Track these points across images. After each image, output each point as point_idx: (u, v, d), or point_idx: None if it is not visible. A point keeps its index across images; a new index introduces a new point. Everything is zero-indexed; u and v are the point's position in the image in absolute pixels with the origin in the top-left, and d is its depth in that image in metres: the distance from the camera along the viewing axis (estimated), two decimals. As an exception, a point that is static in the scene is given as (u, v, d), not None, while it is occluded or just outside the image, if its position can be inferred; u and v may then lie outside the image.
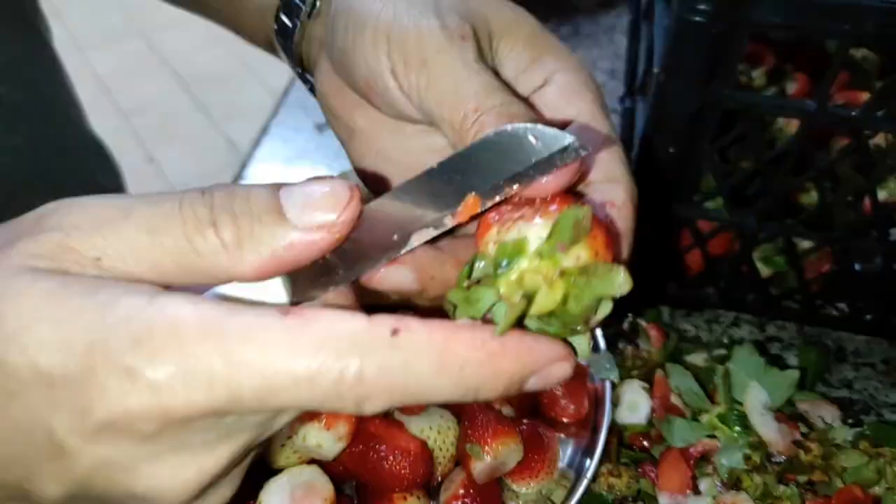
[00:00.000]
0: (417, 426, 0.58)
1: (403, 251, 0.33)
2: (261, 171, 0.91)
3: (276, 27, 0.49)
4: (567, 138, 0.32)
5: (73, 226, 0.30)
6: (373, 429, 0.56)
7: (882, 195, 0.71)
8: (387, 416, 0.59)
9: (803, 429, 0.62)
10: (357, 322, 0.28)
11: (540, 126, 0.33)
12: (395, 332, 0.28)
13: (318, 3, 0.47)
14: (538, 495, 0.60)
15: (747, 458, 0.59)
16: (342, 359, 0.28)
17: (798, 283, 0.70)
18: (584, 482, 0.58)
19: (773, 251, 0.72)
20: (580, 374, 0.65)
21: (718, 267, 0.71)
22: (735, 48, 0.53)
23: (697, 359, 0.67)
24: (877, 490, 0.59)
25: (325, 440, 0.53)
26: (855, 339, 0.73)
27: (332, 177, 0.31)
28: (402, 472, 0.55)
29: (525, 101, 0.39)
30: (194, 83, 2.84)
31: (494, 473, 0.58)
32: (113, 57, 2.95)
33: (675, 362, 0.66)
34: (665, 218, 0.66)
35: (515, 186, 0.32)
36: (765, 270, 0.72)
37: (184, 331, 0.27)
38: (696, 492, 0.59)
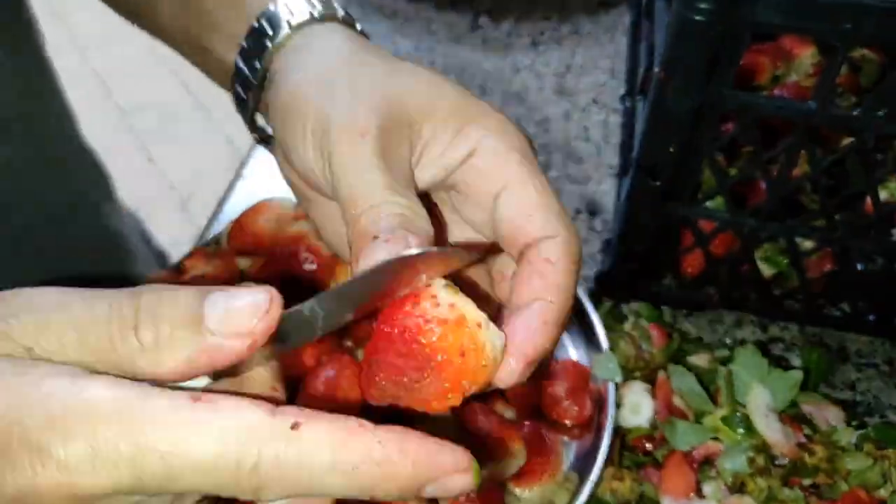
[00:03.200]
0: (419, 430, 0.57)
1: None
2: (260, 171, 0.91)
3: (233, 97, 0.51)
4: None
5: (11, 314, 0.31)
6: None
7: (883, 195, 0.71)
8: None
9: (807, 431, 0.61)
10: (261, 412, 0.30)
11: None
12: (295, 425, 0.30)
13: (265, 81, 0.48)
14: (541, 499, 0.59)
15: (751, 461, 0.58)
16: (241, 449, 0.29)
17: (800, 283, 0.70)
18: (588, 486, 0.58)
19: (774, 251, 0.72)
20: (583, 376, 0.64)
21: (720, 267, 0.70)
22: (735, 47, 0.53)
23: (700, 360, 0.66)
24: (882, 493, 0.58)
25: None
26: (858, 340, 0.73)
27: (256, 287, 0.33)
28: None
29: (424, 196, 0.42)
30: (194, 83, 2.83)
31: (497, 477, 0.57)
32: (113, 57, 2.95)
33: (678, 363, 0.65)
34: (665, 218, 0.66)
35: None
36: (766, 270, 0.71)
37: (96, 412, 0.29)
38: (700, 496, 0.58)
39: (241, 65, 0.48)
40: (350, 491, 0.31)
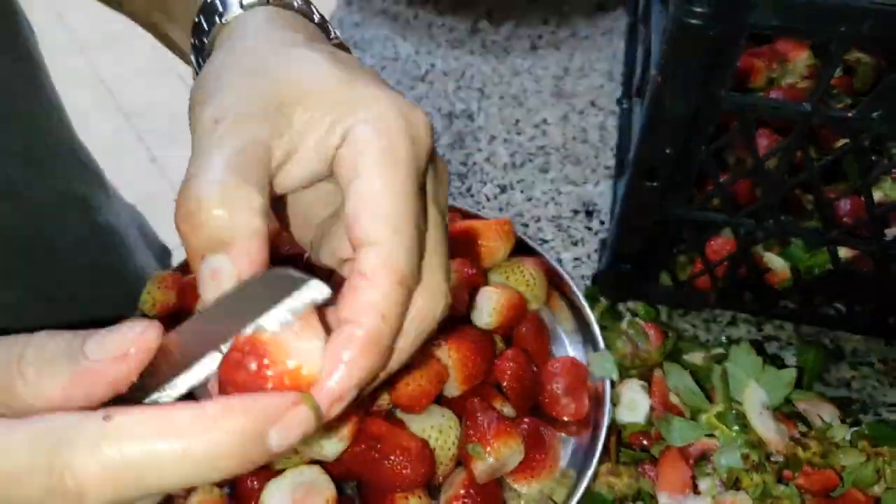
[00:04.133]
0: (419, 426, 0.58)
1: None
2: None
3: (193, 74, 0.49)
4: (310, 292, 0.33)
5: None
6: (374, 429, 0.56)
7: (877, 195, 0.71)
8: (388, 416, 0.60)
9: (802, 428, 0.62)
10: (74, 414, 0.29)
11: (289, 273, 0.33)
12: (107, 416, 0.29)
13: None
14: (539, 494, 0.60)
15: (746, 458, 0.59)
16: (52, 450, 0.28)
17: (795, 282, 0.70)
18: (585, 482, 0.58)
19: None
20: (581, 374, 0.65)
21: (716, 267, 0.71)
22: (732, 50, 0.54)
23: (695, 358, 0.67)
24: (876, 490, 0.59)
25: (327, 441, 0.54)
26: (852, 339, 0.74)
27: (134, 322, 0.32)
28: (404, 471, 0.55)
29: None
30: (196, 85, 2.84)
31: (496, 473, 0.58)
32: (116, 58, 2.96)
33: (674, 361, 0.66)
34: (662, 218, 0.66)
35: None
36: (778, 263, 0.72)
37: None
38: (696, 491, 0.59)
39: (195, 41, 0.47)
40: (190, 468, 0.29)
